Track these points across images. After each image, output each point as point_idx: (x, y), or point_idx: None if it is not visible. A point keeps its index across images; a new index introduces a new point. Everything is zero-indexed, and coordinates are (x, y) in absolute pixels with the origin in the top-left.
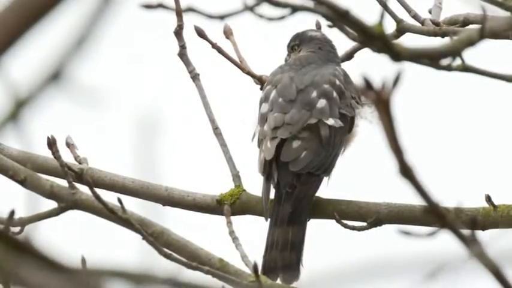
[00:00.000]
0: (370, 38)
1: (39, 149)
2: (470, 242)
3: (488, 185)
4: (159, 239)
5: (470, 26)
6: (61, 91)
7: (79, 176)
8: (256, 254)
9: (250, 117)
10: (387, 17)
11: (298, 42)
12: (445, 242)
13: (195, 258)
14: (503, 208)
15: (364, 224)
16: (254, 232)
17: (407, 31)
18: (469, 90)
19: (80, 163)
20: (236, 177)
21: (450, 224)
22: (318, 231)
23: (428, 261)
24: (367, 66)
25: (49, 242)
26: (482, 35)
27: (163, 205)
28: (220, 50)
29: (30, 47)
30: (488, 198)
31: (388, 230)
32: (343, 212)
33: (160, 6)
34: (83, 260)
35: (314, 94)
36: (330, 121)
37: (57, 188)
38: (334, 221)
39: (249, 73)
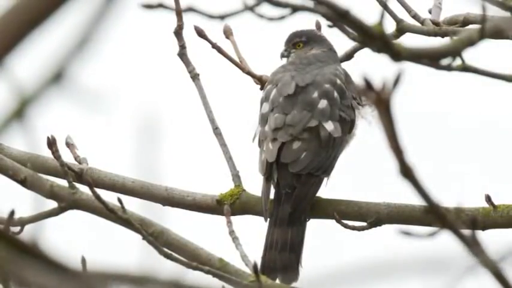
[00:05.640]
0: (370, 38)
1: (39, 149)
2: (470, 242)
3: (488, 185)
4: (159, 239)
5: (470, 26)
6: (63, 92)
7: (79, 176)
8: (256, 254)
9: (251, 117)
10: (387, 17)
11: (305, 39)
12: (445, 242)
13: (195, 258)
14: (503, 208)
15: (364, 224)
16: (254, 232)
17: (407, 31)
18: (469, 90)
19: (80, 163)
20: (236, 177)
21: (450, 224)
22: (318, 231)
23: (428, 261)
24: (367, 66)
25: (49, 242)
26: (482, 35)
27: (164, 205)
28: (220, 50)
29: (33, 48)
30: (488, 198)
31: (388, 230)
32: (343, 212)
33: (160, 6)
34: (83, 260)
35: (315, 94)
36: (330, 126)
37: (57, 188)
38: (334, 221)
39: (249, 73)
